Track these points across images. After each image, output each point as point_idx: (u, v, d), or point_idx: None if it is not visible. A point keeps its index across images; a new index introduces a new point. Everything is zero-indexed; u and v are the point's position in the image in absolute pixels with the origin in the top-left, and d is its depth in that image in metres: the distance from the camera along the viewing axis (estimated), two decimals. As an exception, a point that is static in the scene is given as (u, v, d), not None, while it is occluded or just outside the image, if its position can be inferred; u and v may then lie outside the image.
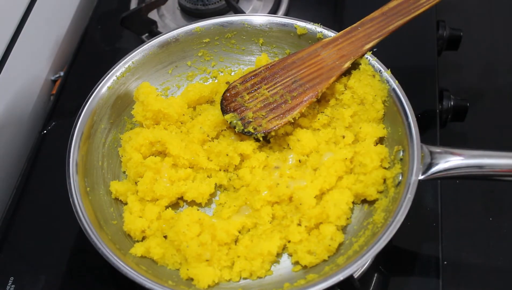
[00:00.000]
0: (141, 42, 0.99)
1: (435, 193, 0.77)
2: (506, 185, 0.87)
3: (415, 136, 0.69)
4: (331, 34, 0.81)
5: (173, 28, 0.86)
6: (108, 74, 0.81)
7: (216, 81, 0.88)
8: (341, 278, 0.61)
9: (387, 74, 0.76)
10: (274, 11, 1.01)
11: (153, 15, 1.01)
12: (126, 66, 0.82)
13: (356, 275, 0.72)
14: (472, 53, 1.03)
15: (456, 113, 0.88)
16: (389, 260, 0.72)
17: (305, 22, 0.83)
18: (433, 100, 0.86)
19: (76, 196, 0.69)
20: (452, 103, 0.87)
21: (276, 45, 0.87)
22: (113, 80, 0.81)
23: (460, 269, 0.78)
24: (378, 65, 0.77)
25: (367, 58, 0.77)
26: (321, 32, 0.82)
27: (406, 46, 0.94)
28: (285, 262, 0.72)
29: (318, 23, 0.82)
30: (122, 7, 1.06)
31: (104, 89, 0.80)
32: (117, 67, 0.81)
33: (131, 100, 0.83)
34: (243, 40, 0.87)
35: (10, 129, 0.91)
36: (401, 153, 0.71)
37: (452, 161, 0.66)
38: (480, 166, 0.66)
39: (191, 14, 1.02)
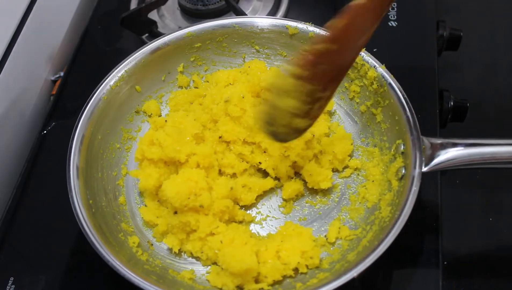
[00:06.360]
0: (141, 42, 0.99)
1: (435, 193, 0.77)
2: (506, 185, 0.87)
3: (415, 129, 0.70)
4: (322, 32, 0.81)
5: (173, 28, 0.86)
6: (102, 84, 0.80)
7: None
8: (355, 275, 0.61)
9: (382, 69, 0.77)
10: (274, 11, 1.01)
11: (153, 15, 1.01)
12: (119, 75, 0.82)
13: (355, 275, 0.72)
14: (472, 53, 1.03)
15: (456, 113, 0.88)
16: (389, 260, 0.72)
17: (296, 21, 0.83)
18: (433, 100, 0.86)
19: (82, 214, 0.69)
20: (452, 103, 0.87)
21: (268, 46, 0.87)
22: (107, 89, 0.80)
23: (460, 269, 0.79)
24: (372, 60, 0.78)
25: (361, 54, 0.78)
26: (312, 31, 0.82)
27: (406, 46, 0.94)
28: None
29: (309, 22, 0.83)
30: (122, 7, 1.06)
31: (99, 100, 0.79)
32: (110, 76, 0.81)
33: (127, 110, 0.84)
34: (234, 43, 0.87)
35: (10, 129, 0.91)
36: (402, 147, 0.71)
37: (453, 151, 0.67)
38: (481, 155, 0.66)
39: (191, 15, 1.02)
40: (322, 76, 0.59)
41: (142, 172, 0.77)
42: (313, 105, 0.61)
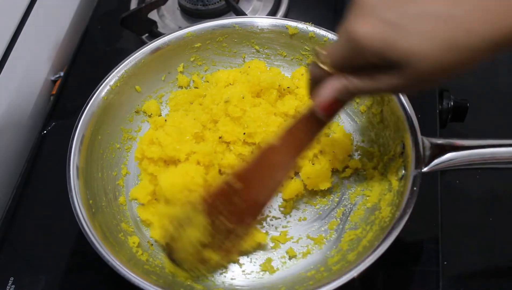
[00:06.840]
0: (141, 42, 0.99)
1: (435, 193, 0.77)
2: (506, 185, 0.87)
3: (416, 129, 0.70)
4: (322, 32, 0.82)
5: (173, 28, 0.86)
6: (102, 84, 0.80)
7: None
8: (355, 275, 0.61)
9: None
10: (274, 11, 1.01)
11: (153, 15, 1.01)
12: (119, 75, 0.81)
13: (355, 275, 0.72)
14: (472, 53, 1.02)
15: (456, 113, 0.88)
16: (388, 260, 0.72)
17: (296, 21, 0.83)
18: (433, 100, 0.86)
19: (82, 214, 0.69)
20: (452, 103, 0.87)
21: (268, 46, 0.87)
22: (107, 90, 0.80)
23: (460, 269, 0.78)
24: None
25: None
26: (312, 31, 0.82)
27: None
28: (297, 261, 0.72)
29: (309, 22, 0.83)
30: (122, 7, 1.06)
31: (99, 100, 0.79)
32: (110, 76, 0.81)
33: (127, 110, 0.84)
34: (234, 43, 0.87)
35: (10, 130, 0.91)
36: (402, 147, 0.71)
37: (453, 151, 0.67)
38: (481, 155, 0.66)
39: (191, 15, 1.02)
40: (231, 211, 0.60)
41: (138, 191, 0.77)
42: (225, 238, 0.62)
